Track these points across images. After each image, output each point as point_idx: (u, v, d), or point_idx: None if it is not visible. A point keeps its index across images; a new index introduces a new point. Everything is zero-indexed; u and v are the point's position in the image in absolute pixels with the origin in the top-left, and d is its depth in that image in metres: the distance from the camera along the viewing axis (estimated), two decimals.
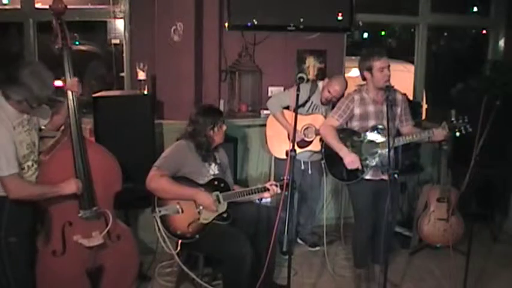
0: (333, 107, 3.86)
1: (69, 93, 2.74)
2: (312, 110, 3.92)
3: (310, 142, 3.87)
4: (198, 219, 3.02)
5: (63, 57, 2.72)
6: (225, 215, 3.08)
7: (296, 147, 3.81)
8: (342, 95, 3.74)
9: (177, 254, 3.07)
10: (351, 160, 3.17)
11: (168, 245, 2.95)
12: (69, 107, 2.74)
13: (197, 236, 3.01)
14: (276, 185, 3.17)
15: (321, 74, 4.52)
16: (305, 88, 3.84)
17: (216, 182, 3.14)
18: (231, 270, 2.97)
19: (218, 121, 3.16)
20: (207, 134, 3.12)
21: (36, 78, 2.50)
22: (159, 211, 2.95)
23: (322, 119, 3.80)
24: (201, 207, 3.02)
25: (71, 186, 2.69)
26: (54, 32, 2.73)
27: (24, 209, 2.64)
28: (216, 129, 3.15)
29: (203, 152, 3.13)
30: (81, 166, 2.75)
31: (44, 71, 2.57)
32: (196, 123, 3.12)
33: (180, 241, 3.01)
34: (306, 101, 3.88)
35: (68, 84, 2.73)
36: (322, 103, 3.90)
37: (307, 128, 3.87)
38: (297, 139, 3.82)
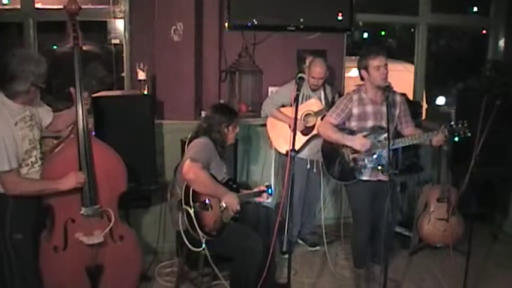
0: (324, 92, 3.94)
1: (80, 108, 2.77)
2: (306, 99, 3.95)
3: (313, 127, 3.89)
4: (221, 217, 3.02)
5: (73, 56, 2.77)
6: (237, 215, 3.08)
7: (301, 136, 3.87)
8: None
9: (178, 253, 3.05)
10: (360, 143, 3.17)
11: (201, 241, 2.91)
12: (78, 121, 2.76)
13: (219, 233, 3.00)
14: (264, 191, 3.26)
15: None
16: (293, 86, 3.86)
17: (230, 183, 3.16)
18: (243, 265, 2.98)
19: (233, 121, 3.21)
20: (221, 130, 3.17)
21: (27, 61, 2.55)
22: (195, 206, 2.89)
23: (316, 101, 3.91)
24: (223, 206, 3.01)
25: (70, 181, 2.67)
26: (67, 32, 2.81)
27: (28, 205, 2.64)
28: (230, 128, 3.20)
29: (218, 148, 3.16)
30: (85, 162, 2.74)
31: (27, 51, 2.64)
32: (212, 119, 3.18)
33: (204, 239, 2.94)
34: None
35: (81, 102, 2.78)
36: (313, 90, 3.94)
37: (306, 115, 3.91)
38: (300, 128, 3.86)
